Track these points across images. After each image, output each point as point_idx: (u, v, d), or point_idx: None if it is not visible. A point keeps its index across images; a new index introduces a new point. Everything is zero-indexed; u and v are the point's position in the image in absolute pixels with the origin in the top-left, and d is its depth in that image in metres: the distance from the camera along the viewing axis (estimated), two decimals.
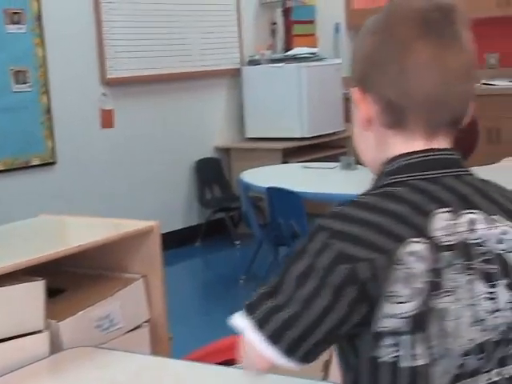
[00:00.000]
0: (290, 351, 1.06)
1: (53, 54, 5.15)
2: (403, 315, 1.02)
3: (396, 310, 1.02)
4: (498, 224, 1.09)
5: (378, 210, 1.06)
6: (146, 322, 2.24)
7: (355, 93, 1.17)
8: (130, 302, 2.18)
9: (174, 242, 5.96)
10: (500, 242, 1.08)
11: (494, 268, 1.07)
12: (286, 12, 6.85)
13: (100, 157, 5.52)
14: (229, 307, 4.56)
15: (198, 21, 6.11)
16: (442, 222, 1.06)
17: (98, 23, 5.44)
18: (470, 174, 1.14)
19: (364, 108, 1.16)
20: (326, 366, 1.90)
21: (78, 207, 5.05)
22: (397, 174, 1.11)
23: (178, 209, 6.13)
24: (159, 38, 5.84)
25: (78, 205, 5.18)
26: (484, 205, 1.10)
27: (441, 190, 1.09)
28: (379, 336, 1.03)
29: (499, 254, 1.08)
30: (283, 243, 4.54)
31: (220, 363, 2.03)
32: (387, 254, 1.02)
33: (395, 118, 1.13)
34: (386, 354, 1.04)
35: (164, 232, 5.75)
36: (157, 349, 2.23)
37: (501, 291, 1.07)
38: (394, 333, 1.03)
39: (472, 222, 1.08)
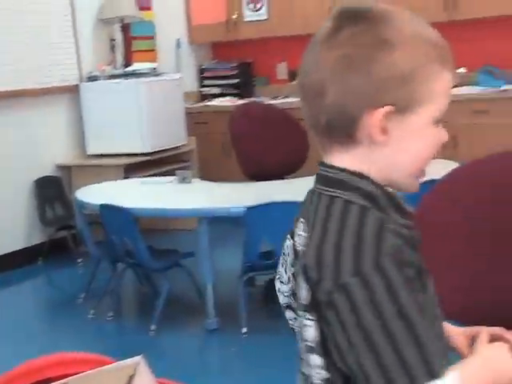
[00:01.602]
0: None
1: None
2: (285, 293, 1.30)
3: (282, 288, 1.30)
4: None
5: None
6: None
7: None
8: None
9: (16, 262, 5.87)
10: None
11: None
12: (125, 28, 6.86)
13: None
14: (65, 326, 4.56)
15: (33, 37, 6.03)
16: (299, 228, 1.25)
17: None
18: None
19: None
20: None
21: None
22: None
23: (19, 228, 6.02)
24: None
25: None
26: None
27: (308, 201, 1.27)
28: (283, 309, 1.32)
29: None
30: (119, 260, 4.54)
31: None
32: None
33: None
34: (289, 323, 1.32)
35: (5, 252, 5.76)
36: None
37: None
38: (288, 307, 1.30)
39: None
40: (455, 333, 1.38)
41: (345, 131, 1.19)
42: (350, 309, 1.09)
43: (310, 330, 1.18)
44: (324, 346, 1.17)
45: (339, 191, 1.20)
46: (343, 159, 1.21)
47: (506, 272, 1.83)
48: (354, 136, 1.19)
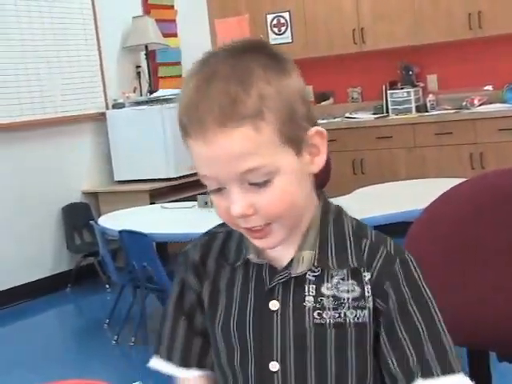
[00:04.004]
0: None
1: None
2: None
3: None
4: None
5: None
6: None
7: (320, 133, 1.20)
8: None
9: (45, 289, 5.92)
10: None
11: None
12: (150, 55, 6.93)
13: None
14: (90, 351, 4.58)
15: (59, 67, 6.12)
16: None
17: None
18: None
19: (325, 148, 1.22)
20: None
21: None
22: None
23: (47, 255, 6.08)
24: (19, 85, 5.81)
25: None
26: None
27: None
28: None
29: None
30: (140, 285, 4.55)
31: None
32: None
33: None
34: None
35: (34, 279, 5.82)
36: None
37: None
38: None
39: None
40: None
41: None
42: None
43: None
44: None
45: None
46: None
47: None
48: None
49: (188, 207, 5.07)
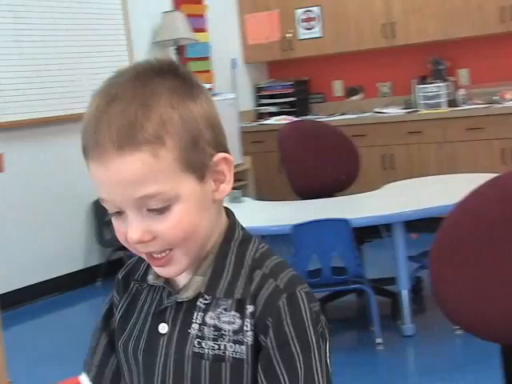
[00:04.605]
0: None
1: None
2: None
3: None
4: None
5: None
6: None
7: (226, 159, 1.16)
8: None
9: (75, 283, 5.97)
10: None
11: None
12: (180, 50, 6.95)
13: None
14: None
15: (88, 62, 6.15)
16: None
17: None
18: None
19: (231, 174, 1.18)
20: None
21: None
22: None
23: (77, 250, 6.12)
24: (48, 80, 5.85)
25: None
26: None
27: None
28: None
29: None
30: None
31: None
32: None
33: None
34: None
35: (64, 273, 5.87)
36: None
37: None
38: None
39: None
40: None
41: None
42: None
43: None
44: None
45: None
46: None
47: None
48: None
49: None
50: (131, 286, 1.27)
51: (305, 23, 7.49)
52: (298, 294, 1.13)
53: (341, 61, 7.55)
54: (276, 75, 8.02)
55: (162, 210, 1.09)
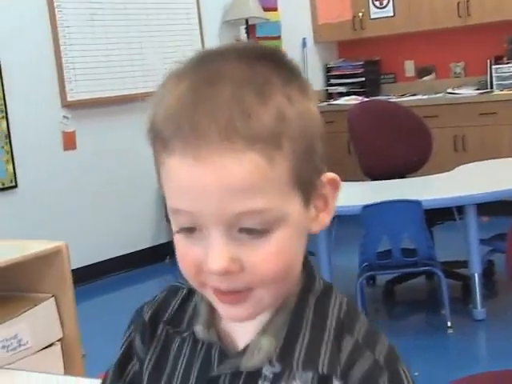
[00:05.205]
0: None
1: (11, 80, 5.22)
2: None
3: None
4: None
5: None
6: (58, 340, 2.28)
7: (333, 182, 0.90)
8: (40, 321, 2.23)
9: (144, 260, 6.04)
10: None
11: None
12: (250, 29, 6.92)
13: (63, 179, 5.58)
14: None
15: (159, 41, 6.19)
16: None
17: (57, 48, 5.52)
18: None
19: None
20: None
21: (40, 230, 5.10)
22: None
23: (147, 227, 6.19)
24: (119, 59, 5.91)
25: (40, 228, 5.23)
26: None
27: None
28: None
29: None
30: None
31: None
32: None
33: None
34: None
35: (133, 251, 5.95)
36: (70, 367, 2.27)
37: None
38: None
39: None
40: None
41: None
42: None
43: None
44: None
45: None
46: None
47: None
48: None
49: None
50: (160, 329, 0.99)
51: (376, 2, 7.38)
52: (402, 372, 0.88)
53: (412, 40, 7.42)
54: (346, 55, 7.94)
55: (258, 234, 0.82)
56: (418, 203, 3.90)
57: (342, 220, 4.33)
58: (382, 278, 4.64)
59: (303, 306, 0.89)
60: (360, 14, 7.45)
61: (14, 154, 5.24)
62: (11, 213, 5.24)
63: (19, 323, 2.17)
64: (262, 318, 0.89)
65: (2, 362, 2.10)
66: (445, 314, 4.08)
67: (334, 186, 0.89)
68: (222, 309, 0.87)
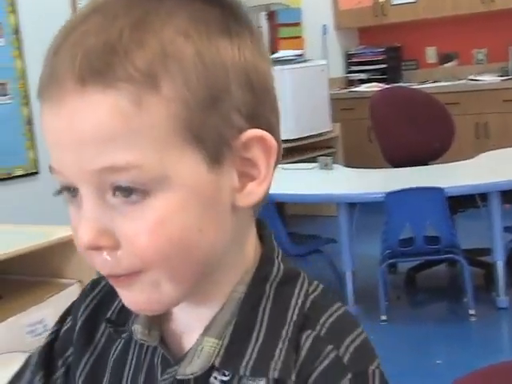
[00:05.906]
0: None
1: (32, 65, 5.22)
2: None
3: None
4: None
5: None
6: None
7: (263, 141, 0.71)
8: (65, 306, 2.24)
9: None
10: None
11: None
12: (271, 15, 6.90)
13: None
14: None
15: None
16: None
17: None
18: None
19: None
20: None
21: (61, 216, 5.12)
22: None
23: None
24: None
25: (61, 214, 5.24)
26: None
27: None
28: None
29: None
30: None
31: None
32: None
33: None
34: None
35: None
36: None
37: None
38: None
39: None
40: None
41: None
42: None
43: None
44: None
45: None
46: None
47: None
48: None
49: (308, 168, 5.05)
50: (100, 330, 0.83)
51: None
52: (370, 376, 0.70)
53: (434, 26, 7.37)
54: (367, 41, 7.89)
55: (136, 197, 0.66)
56: (440, 190, 3.88)
57: (364, 207, 4.33)
58: (404, 265, 4.62)
59: (258, 298, 0.73)
60: (381, 0, 7.41)
61: (36, 140, 5.25)
62: (34, 199, 5.25)
63: (45, 308, 2.18)
64: (208, 314, 0.74)
65: (28, 347, 2.10)
66: (467, 301, 4.06)
67: (265, 149, 0.70)
68: (121, 295, 0.72)
